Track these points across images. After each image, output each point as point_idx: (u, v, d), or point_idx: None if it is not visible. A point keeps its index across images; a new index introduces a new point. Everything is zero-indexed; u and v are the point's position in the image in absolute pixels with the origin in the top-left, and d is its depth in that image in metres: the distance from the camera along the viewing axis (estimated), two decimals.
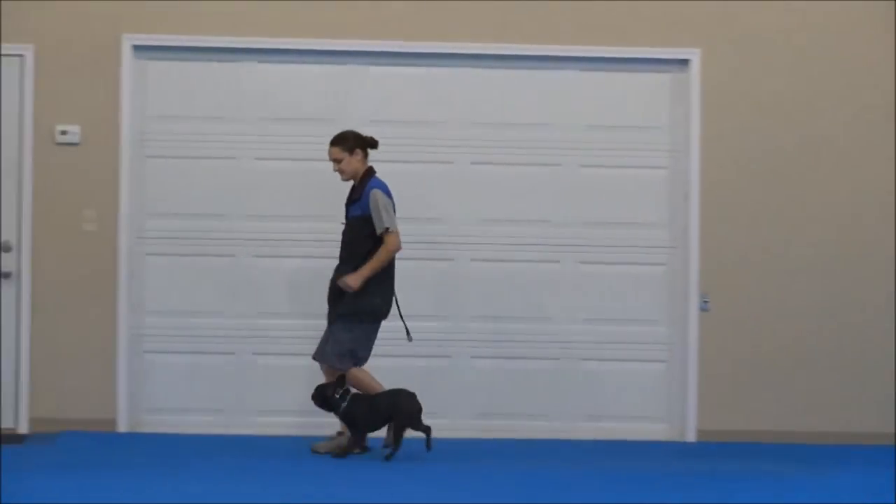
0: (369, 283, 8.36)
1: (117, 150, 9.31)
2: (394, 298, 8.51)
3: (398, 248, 8.41)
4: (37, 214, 9.28)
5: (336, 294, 8.49)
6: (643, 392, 9.55)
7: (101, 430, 9.22)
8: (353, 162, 8.52)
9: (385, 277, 8.44)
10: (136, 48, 9.33)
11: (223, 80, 9.43)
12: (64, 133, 9.29)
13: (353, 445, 8.36)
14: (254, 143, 9.27)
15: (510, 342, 9.49)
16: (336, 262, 8.55)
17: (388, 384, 9.29)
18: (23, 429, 9.28)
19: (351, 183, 8.60)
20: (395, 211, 8.48)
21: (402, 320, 8.54)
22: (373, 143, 8.59)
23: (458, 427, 9.40)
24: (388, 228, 8.35)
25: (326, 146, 8.79)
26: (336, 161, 8.54)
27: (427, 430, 8.22)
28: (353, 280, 8.33)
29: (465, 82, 9.51)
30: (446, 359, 9.49)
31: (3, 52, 9.29)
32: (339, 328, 8.42)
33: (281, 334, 9.38)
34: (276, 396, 9.37)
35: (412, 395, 8.28)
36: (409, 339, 8.58)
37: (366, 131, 9.35)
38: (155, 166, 9.37)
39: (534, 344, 9.50)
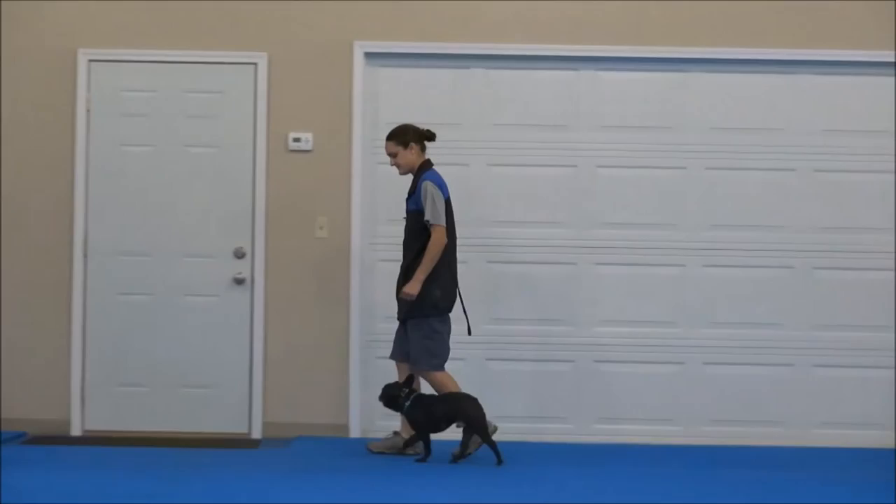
0: (426, 279, 8.30)
1: (349, 157, 9.37)
2: (457, 291, 8.45)
3: (444, 243, 8.30)
4: (270, 221, 9.35)
5: (398, 291, 8.51)
6: (871, 398, 9.46)
7: (333, 436, 9.27)
8: (408, 156, 8.50)
9: (442, 270, 8.35)
10: (368, 55, 9.38)
11: (454, 85, 9.46)
12: (297, 140, 9.35)
13: (410, 444, 8.33)
14: (486, 148, 9.29)
15: (742, 348, 9.44)
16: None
17: (625, 390, 9.31)
18: (256, 434, 9.34)
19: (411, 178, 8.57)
20: (449, 205, 8.38)
21: (465, 315, 8.48)
22: (430, 136, 8.54)
23: (692, 434, 9.39)
24: (431, 223, 8.29)
25: (559, 152, 8.77)
26: (391, 155, 8.54)
27: (493, 443, 8.10)
28: (411, 288, 8.29)
29: (697, 87, 9.47)
30: (679, 365, 9.45)
31: (236, 60, 9.38)
32: (412, 329, 8.39)
33: (511, 339, 9.39)
34: (510, 401, 9.38)
35: (475, 400, 8.17)
36: (469, 333, 8.51)
37: (597, 137, 9.42)
38: (386, 173, 9.36)
39: (764, 350, 9.44)
